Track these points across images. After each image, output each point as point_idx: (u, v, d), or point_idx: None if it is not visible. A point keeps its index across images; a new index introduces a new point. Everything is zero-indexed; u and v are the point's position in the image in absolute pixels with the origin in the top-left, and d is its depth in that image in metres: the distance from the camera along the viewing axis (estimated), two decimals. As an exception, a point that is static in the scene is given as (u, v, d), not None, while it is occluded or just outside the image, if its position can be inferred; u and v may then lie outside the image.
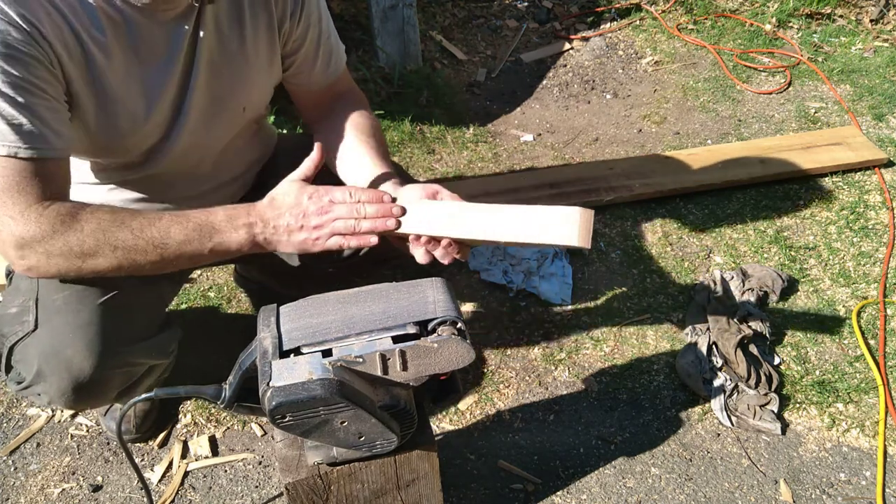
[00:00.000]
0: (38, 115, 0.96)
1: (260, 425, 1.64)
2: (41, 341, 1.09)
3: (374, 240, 1.05)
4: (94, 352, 1.10)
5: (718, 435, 1.62)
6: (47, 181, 0.99)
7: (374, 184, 1.20)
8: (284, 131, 2.33)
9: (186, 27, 1.10)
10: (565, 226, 0.97)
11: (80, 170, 1.22)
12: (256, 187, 1.47)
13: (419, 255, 1.10)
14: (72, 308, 1.10)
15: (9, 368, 1.14)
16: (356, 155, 1.27)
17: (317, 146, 1.11)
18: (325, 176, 1.32)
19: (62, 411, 1.67)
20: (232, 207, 1.07)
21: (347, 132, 1.30)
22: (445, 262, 1.11)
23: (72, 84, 1.03)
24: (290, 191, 1.07)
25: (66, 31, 0.99)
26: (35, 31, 0.94)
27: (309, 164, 1.10)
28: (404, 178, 1.25)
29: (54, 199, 1.00)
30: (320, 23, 1.27)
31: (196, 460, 1.58)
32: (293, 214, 1.05)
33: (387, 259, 1.54)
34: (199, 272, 1.99)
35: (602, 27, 3.20)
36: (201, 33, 1.12)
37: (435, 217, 1.07)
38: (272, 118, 2.42)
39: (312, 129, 1.41)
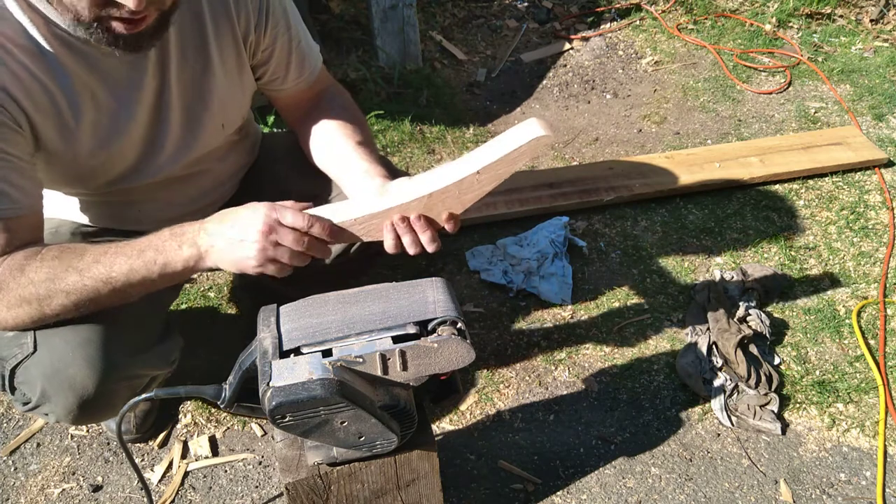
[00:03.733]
0: (2, 177, 0.98)
1: (260, 425, 1.64)
2: (42, 362, 1.09)
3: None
4: (96, 368, 1.10)
5: (718, 435, 1.62)
6: (9, 237, 1.02)
7: (362, 177, 1.19)
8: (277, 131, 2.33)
9: (151, 57, 1.10)
10: (528, 128, 0.99)
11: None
12: (241, 191, 1.48)
13: (388, 242, 1.09)
14: (70, 326, 1.09)
15: (13, 389, 1.14)
16: (342, 151, 1.26)
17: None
18: (312, 173, 1.32)
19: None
20: (179, 226, 1.05)
21: (331, 129, 1.30)
22: (413, 250, 1.09)
23: (41, 133, 1.05)
24: (242, 208, 1.04)
25: (31, 84, 1.00)
26: (1, 93, 0.96)
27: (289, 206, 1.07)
28: (390, 169, 1.25)
29: (16, 251, 1.02)
30: (289, 30, 1.26)
31: (196, 460, 1.58)
32: (238, 226, 1.02)
33: (380, 253, 1.54)
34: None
35: (602, 27, 3.20)
36: (168, 60, 1.12)
37: (411, 189, 1.06)
38: (272, 118, 2.42)
39: (295, 130, 1.40)
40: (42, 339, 1.09)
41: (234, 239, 1.01)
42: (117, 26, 0.94)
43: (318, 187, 1.39)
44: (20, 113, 1.00)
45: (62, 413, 1.13)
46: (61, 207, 1.31)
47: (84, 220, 1.32)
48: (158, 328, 1.30)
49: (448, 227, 1.09)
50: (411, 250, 1.09)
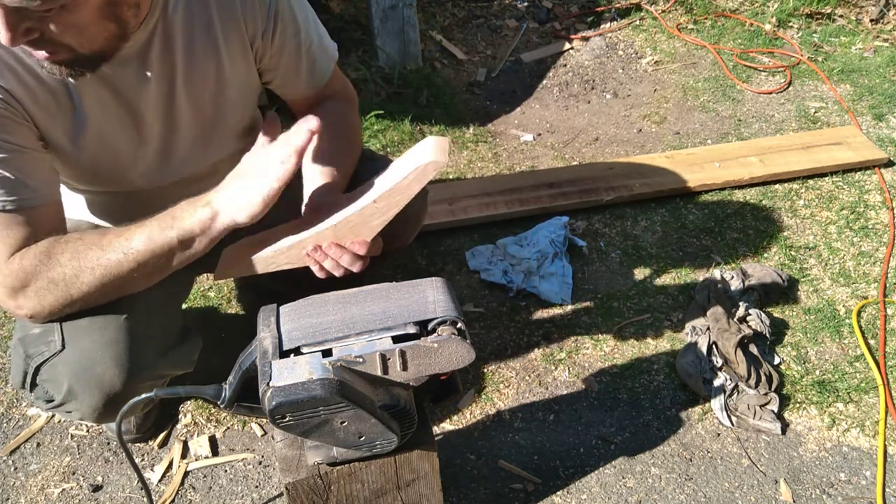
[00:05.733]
0: (17, 168, 0.99)
1: (260, 425, 1.65)
2: (70, 360, 1.09)
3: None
4: (124, 368, 1.11)
5: (718, 435, 1.62)
6: (33, 229, 1.03)
7: (308, 185, 1.23)
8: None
9: (155, 62, 1.10)
10: (419, 153, 1.01)
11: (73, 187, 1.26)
12: None
13: (314, 269, 1.12)
14: (97, 326, 1.10)
15: (33, 386, 1.15)
16: (310, 163, 1.27)
17: (269, 117, 1.12)
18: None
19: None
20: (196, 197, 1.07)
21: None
22: (338, 272, 1.11)
23: (50, 137, 1.05)
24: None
25: (35, 87, 1.00)
26: (4, 94, 0.97)
27: (261, 136, 1.12)
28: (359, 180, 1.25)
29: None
30: (298, 35, 1.24)
31: (196, 460, 1.58)
32: (241, 173, 1.05)
33: (384, 255, 1.55)
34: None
35: (602, 27, 3.20)
36: (175, 65, 1.12)
37: (323, 220, 1.10)
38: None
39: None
40: (70, 338, 1.10)
41: (243, 175, 1.04)
42: (36, 53, 0.94)
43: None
44: (25, 113, 1.01)
45: (87, 411, 1.13)
46: (77, 209, 1.31)
47: (99, 221, 1.33)
48: (179, 329, 1.31)
49: (360, 251, 1.10)
50: (336, 273, 1.12)
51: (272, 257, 1.12)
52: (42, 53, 0.92)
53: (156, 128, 1.16)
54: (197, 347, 1.33)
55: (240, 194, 1.02)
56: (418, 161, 1.00)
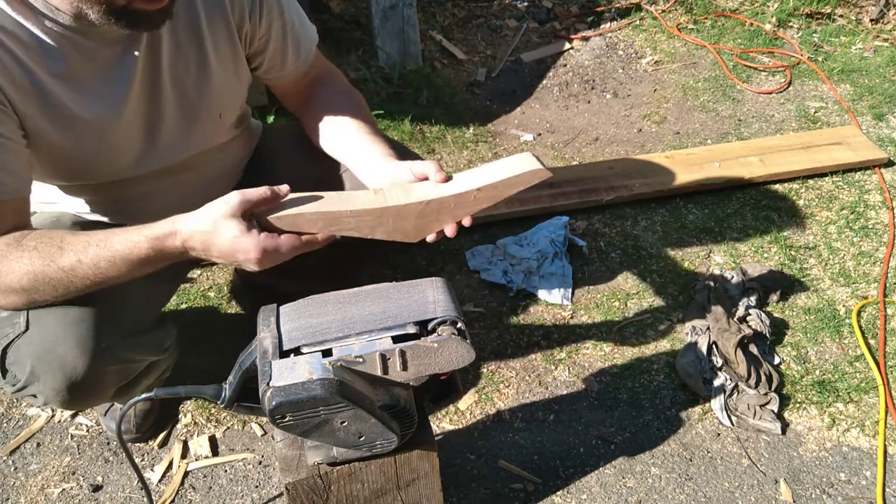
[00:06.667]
0: None
1: (260, 425, 1.65)
2: (33, 341, 1.08)
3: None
4: (87, 348, 1.09)
5: (718, 435, 1.62)
6: None
7: (371, 159, 1.22)
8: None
9: (141, 47, 1.10)
10: (526, 160, 1.08)
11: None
12: (246, 179, 1.49)
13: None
14: (63, 307, 1.09)
15: (4, 372, 1.14)
16: (354, 139, 1.28)
17: (284, 188, 1.07)
18: (320, 157, 1.33)
19: (62, 411, 1.67)
20: (155, 238, 1.03)
21: (338, 118, 1.31)
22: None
23: (27, 119, 1.04)
24: (228, 234, 1.01)
25: (13, 68, 0.99)
26: None
27: (260, 194, 1.03)
28: (400, 151, 1.28)
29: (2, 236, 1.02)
30: (283, 15, 1.26)
31: (196, 460, 1.58)
32: (226, 257, 1.04)
33: (362, 260, 1.58)
34: (198, 272, 1.99)
35: (602, 27, 3.20)
36: (159, 48, 1.12)
37: (411, 194, 1.10)
38: (272, 117, 2.42)
39: (298, 117, 1.41)
40: (34, 319, 1.09)
41: (229, 259, 1.05)
42: (144, 6, 0.96)
43: (326, 171, 1.41)
44: (2, 95, 0.99)
45: (50, 394, 1.12)
46: (62, 199, 1.30)
47: (85, 211, 1.32)
48: (153, 315, 1.30)
49: (429, 238, 1.13)
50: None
51: (342, 216, 1.09)
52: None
53: (141, 110, 1.16)
54: (170, 335, 1.32)
55: (220, 262, 1.06)
56: (531, 165, 1.06)
